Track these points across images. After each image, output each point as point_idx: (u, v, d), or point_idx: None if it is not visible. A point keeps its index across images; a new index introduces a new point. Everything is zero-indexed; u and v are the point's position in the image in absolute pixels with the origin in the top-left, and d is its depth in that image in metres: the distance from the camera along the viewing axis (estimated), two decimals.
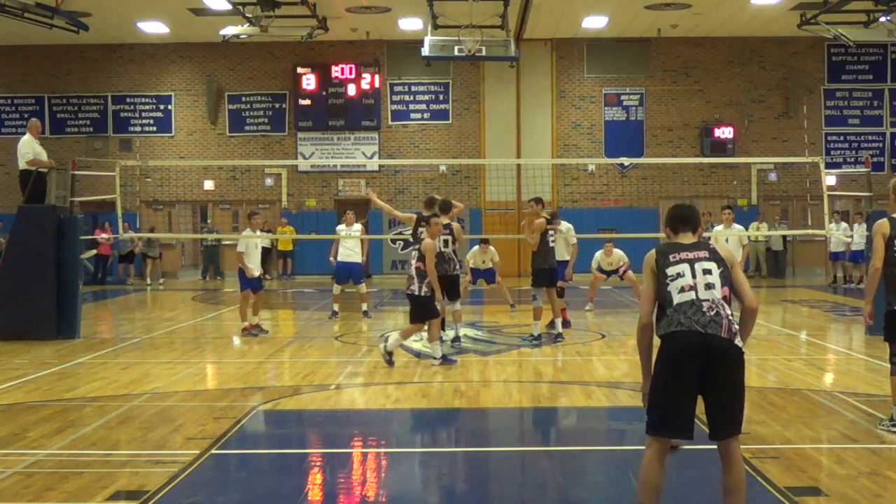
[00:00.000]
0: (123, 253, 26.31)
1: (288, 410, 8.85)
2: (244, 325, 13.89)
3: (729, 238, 14.14)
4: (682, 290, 4.80)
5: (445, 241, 12.26)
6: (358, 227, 16.21)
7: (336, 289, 16.17)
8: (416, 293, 10.93)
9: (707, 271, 4.84)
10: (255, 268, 13.85)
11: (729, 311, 4.78)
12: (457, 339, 12.55)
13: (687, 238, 5.07)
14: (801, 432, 7.48)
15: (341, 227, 16.18)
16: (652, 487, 4.80)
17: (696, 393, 4.76)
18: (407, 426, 8.47)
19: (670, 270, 4.88)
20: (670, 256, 4.93)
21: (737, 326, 4.80)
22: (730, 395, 4.75)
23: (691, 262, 4.88)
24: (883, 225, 7.37)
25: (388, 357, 10.83)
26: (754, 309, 5.01)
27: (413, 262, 11.06)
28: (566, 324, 14.02)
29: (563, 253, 14.58)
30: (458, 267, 12.40)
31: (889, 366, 7.45)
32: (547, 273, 12.95)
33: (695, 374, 4.70)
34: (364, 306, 16.20)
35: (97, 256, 25.09)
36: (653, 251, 5.03)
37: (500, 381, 10.06)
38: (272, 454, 7.31)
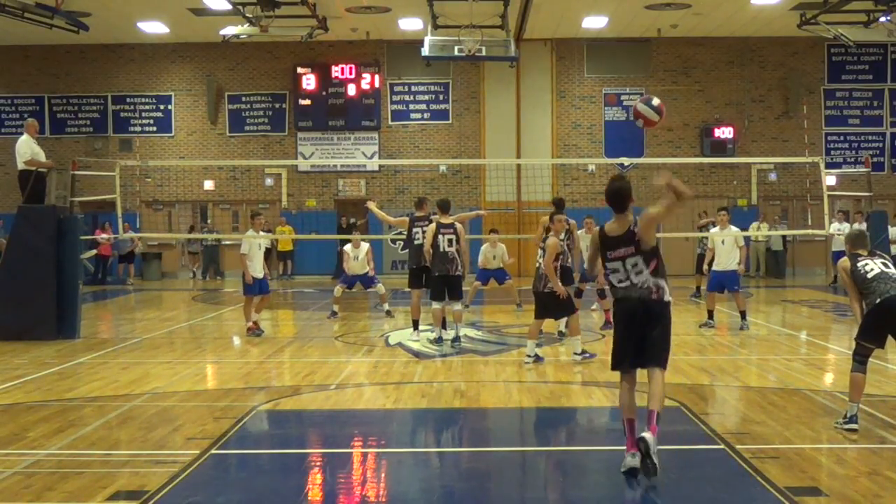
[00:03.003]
0: (123, 253, 26.32)
1: (288, 410, 8.85)
2: (248, 324, 13.86)
3: (725, 240, 14.13)
4: (621, 280, 6.50)
5: (449, 241, 12.27)
6: (365, 247, 16.29)
7: (337, 290, 16.28)
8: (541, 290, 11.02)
9: (634, 264, 6.44)
10: (256, 270, 13.82)
11: (654, 280, 6.40)
12: (456, 339, 12.53)
13: (618, 226, 6.56)
14: (801, 432, 7.48)
15: (348, 249, 16.32)
16: (630, 406, 6.47)
17: (639, 338, 6.44)
18: (407, 426, 8.46)
19: (609, 265, 6.55)
20: (608, 254, 6.55)
21: (663, 286, 6.42)
22: (658, 336, 6.44)
23: (623, 260, 6.47)
24: (844, 262, 8.01)
25: (586, 355, 11.15)
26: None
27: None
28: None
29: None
30: (459, 268, 12.39)
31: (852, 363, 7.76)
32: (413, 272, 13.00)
33: (637, 327, 6.46)
34: (385, 306, 16.34)
35: (97, 256, 25.13)
36: (597, 237, 6.69)
37: (500, 381, 10.06)
38: (272, 454, 7.31)
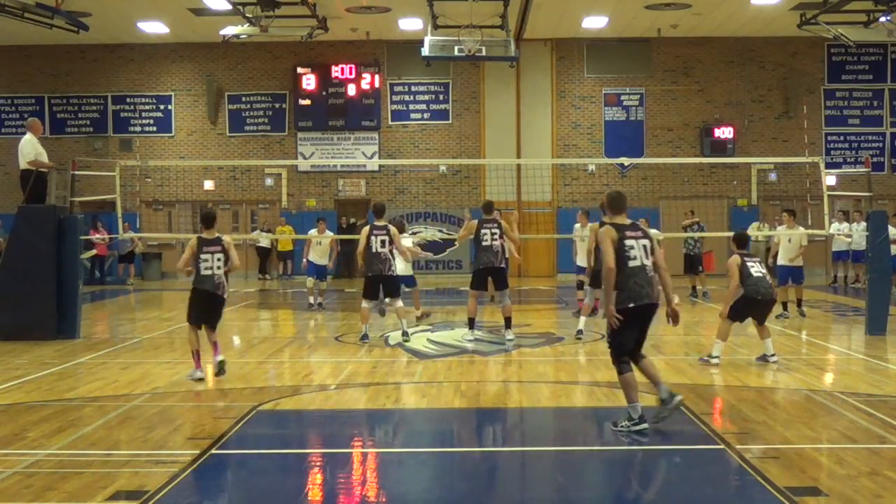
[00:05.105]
0: (123, 253, 26.32)
1: (288, 410, 8.85)
2: (417, 313, 15.22)
3: (791, 238, 15.34)
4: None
5: (382, 242, 12.46)
6: (329, 235, 17.78)
7: (309, 282, 17.76)
8: None
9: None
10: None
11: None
12: (405, 333, 12.90)
13: (211, 234, 10.05)
14: (801, 432, 7.48)
15: (313, 232, 17.69)
16: (198, 340, 9.92)
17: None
18: (407, 426, 8.47)
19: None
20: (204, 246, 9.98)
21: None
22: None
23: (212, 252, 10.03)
24: (609, 231, 7.43)
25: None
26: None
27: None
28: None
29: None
30: (392, 267, 12.72)
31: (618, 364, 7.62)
32: (477, 273, 13.06)
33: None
34: (319, 299, 17.75)
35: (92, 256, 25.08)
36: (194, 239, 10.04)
37: (500, 381, 10.06)
38: (272, 454, 7.31)
